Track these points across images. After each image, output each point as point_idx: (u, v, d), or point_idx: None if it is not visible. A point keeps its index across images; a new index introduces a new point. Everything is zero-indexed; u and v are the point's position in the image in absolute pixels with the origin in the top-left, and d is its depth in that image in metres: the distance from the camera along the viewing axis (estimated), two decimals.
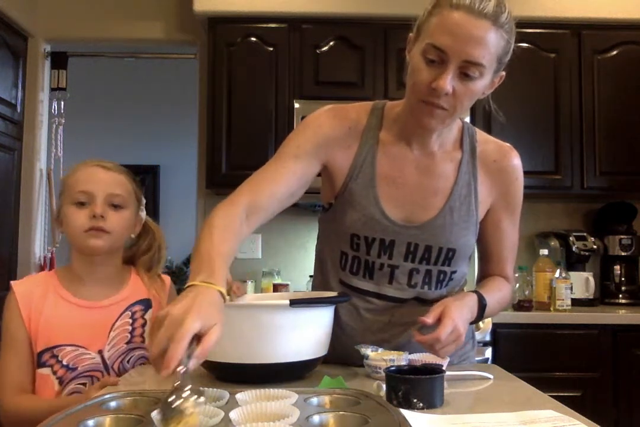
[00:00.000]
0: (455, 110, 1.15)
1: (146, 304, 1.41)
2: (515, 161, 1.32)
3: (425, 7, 1.15)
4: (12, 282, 1.37)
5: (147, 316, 1.40)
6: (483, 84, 1.14)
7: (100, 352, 1.34)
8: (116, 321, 1.36)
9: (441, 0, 1.11)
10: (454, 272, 1.31)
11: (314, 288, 1.43)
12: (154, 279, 1.46)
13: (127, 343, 1.36)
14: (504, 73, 1.19)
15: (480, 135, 1.33)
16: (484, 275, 1.39)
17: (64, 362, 1.32)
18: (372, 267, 1.27)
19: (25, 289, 1.35)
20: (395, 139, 1.27)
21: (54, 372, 1.32)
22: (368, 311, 1.30)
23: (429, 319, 1.13)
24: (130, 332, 1.37)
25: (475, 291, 1.26)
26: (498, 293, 1.32)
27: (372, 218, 1.24)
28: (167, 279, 1.50)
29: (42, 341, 1.32)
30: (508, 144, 1.35)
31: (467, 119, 2.72)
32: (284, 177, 1.21)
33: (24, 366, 1.32)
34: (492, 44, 1.08)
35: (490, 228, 1.33)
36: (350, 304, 1.30)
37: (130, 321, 1.38)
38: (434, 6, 1.12)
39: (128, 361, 1.36)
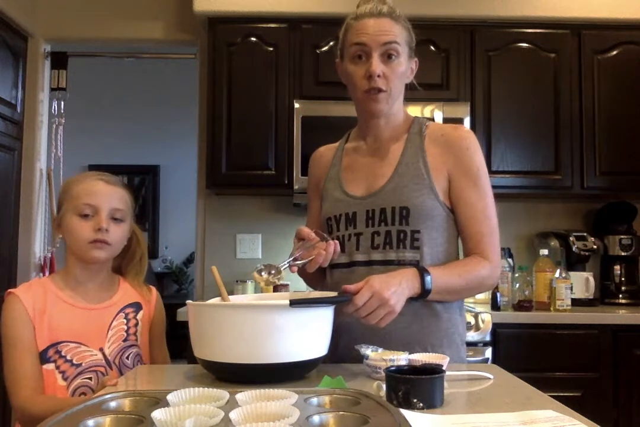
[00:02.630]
0: (392, 90, 1.39)
1: (137, 306, 1.53)
2: (465, 133, 1.43)
3: (339, 36, 1.44)
4: (10, 290, 1.42)
5: (138, 317, 1.52)
6: (404, 65, 1.39)
7: (101, 349, 1.43)
8: (112, 321, 1.47)
9: (347, 20, 1.41)
10: (417, 232, 1.36)
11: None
12: (141, 286, 1.57)
13: (123, 341, 1.47)
14: (416, 59, 1.46)
15: (433, 124, 1.47)
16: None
17: (68, 358, 1.39)
18: (343, 241, 1.42)
19: (27, 291, 1.42)
20: (355, 142, 1.52)
21: (57, 367, 1.38)
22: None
23: (350, 287, 1.19)
24: (126, 331, 1.48)
25: (416, 266, 1.32)
26: (460, 267, 1.35)
27: (338, 199, 1.46)
28: (153, 289, 1.60)
29: (47, 337, 1.39)
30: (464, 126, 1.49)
31: (468, 119, 2.74)
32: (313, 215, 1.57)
33: (37, 364, 1.37)
34: (397, 31, 1.38)
35: (455, 199, 1.39)
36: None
37: (125, 321, 1.49)
38: (344, 28, 1.42)
39: (127, 357, 1.46)
